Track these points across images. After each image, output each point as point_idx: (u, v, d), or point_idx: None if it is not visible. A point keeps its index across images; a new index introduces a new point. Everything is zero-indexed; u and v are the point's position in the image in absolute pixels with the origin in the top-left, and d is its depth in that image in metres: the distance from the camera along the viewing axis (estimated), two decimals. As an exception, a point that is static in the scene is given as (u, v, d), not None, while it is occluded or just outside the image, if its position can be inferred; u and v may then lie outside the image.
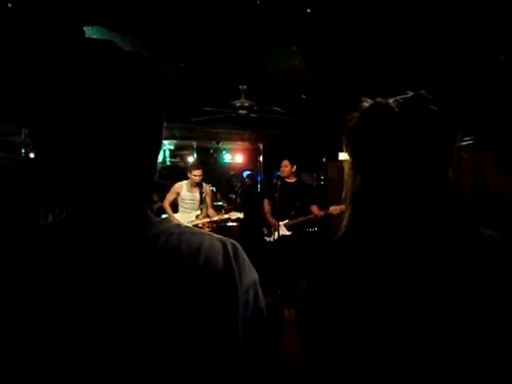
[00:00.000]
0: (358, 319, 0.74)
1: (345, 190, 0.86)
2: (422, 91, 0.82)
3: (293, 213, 5.10)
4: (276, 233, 5.10)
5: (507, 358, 0.69)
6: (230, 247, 0.66)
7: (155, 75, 0.61)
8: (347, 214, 0.84)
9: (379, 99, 0.83)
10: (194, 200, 5.25)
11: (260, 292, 0.67)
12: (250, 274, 0.66)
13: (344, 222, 0.84)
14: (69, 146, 0.57)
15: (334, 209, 4.87)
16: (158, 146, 0.65)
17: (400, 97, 0.82)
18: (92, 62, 0.58)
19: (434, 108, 0.79)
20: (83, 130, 0.57)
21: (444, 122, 0.79)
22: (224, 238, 0.68)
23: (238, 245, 0.68)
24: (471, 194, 4.97)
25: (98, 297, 0.56)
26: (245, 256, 0.67)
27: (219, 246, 0.65)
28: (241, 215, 5.30)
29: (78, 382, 0.53)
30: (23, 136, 6.80)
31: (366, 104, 0.84)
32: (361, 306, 0.74)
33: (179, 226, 0.66)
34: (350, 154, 0.85)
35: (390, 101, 0.81)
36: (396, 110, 0.79)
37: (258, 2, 2.90)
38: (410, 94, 0.82)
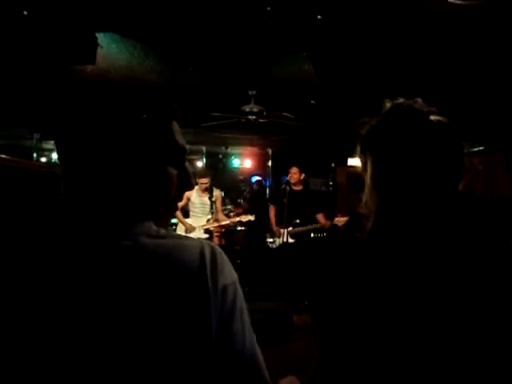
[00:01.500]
0: (374, 326, 0.74)
1: (365, 196, 0.84)
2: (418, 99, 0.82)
3: (298, 221, 5.09)
4: (279, 239, 5.11)
5: None
6: (207, 248, 0.68)
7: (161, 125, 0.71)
8: (370, 223, 0.82)
9: (401, 100, 0.83)
10: (204, 205, 5.28)
11: (240, 292, 0.69)
12: (228, 274, 0.68)
13: (366, 228, 0.82)
14: (83, 164, 0.67)
15: (339, 220, 4.90)
16: (161, 179, 0.71)
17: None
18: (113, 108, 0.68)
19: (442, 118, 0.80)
20: (95, 155, 0.67)
21: (455, 130, 0.80)
22: (204, 240, 0.71)
23: (217, 247, 0.70)
24: (483, 201, 4.92)
25: (74, 296, 0.59)
26: (223, 257, 0.69)
27: (195, 246, 0.68)
28: (252, 217, 5.29)
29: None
30: (35, 140, 6.90)
31: (388, 105, 0.83)
32: (378, 314, 0.74)
33: (158, 230, 0.69)
34: (369, 155, 0.83)
35: (416, 103, 0.81)
36: (422, 110, 0.79)
37: (269, 9, 2.92)
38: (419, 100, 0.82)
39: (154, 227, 0.69)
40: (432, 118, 0.79)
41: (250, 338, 0.68)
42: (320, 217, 5.10)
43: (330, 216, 5.12)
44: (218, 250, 0.70)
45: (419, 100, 0.82)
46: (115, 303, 0.60)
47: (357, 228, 0.86)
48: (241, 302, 0.68)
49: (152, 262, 0.63)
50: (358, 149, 0.86)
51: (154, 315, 0.61)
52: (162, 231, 0.69)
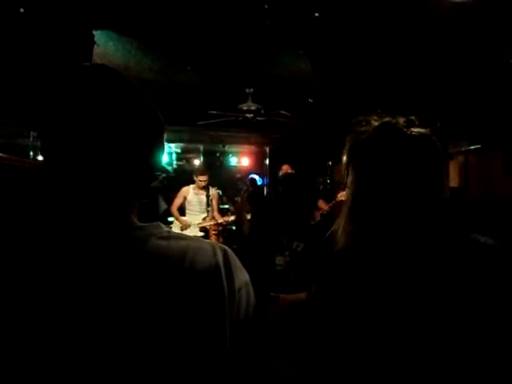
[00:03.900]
0: (363, 325, 0.76)
1: (345, 204, 0.90)
2: (412, 117, 0.88)
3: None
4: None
5: (504, 361, 0.71)
6: (219, 250, 0.67)
7: (149, 109, 0.68)
8: (350, 226, 0.87)
9: (388, 119, 0.88)
10: (200, 203, 5.28)
11: (252, 293, 0.69)
12: (241, 276, 0.68)
13: (343, 233, 0.88)
14: (69, 155, 0.63)
15: (342, 195, 4.90)
16: (147, 166, 0.68)
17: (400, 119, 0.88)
18: (97, 86, 0.64)
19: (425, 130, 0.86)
20: (83, 142, 0.63)
21: (435, 141, 0.86)
22: (214, 243, 0.70)
23: (229, 249, 0.70)
24: (479, 199, 4.93)
25: (84, 297, 0.57)
26: (235, 258, 0.69)
27: (208, 248, 0.67)
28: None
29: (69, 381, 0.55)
30: (31, 138, 6.87)
31: (374, 122, 0.88)
32: (366, 312, 0.77)
33: (169, 231, 0.68)
34: (352, 168, 0.89)
35: (399, 121, 0.87)
36: (404, 130, 0.85)
37: (266, 6, 2.92)
38: (400, 118, 0.87)
39: (165, 228, 0.68)
40: (414, 131, 0.85)
41: (262, 333, 0.69)
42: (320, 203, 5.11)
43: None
44: (230, 251, 0.69)
45: (401, 119, 0.88)
46: (125, 307, 0.58)
47: None
48: (254, 301, 0.68)
49: (164, 265, 0.62)
50: (344, 160, 0.91)
51: (165, 318, 0.59)
52: (173, 232, 0.68)
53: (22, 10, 2.79)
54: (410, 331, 0.74)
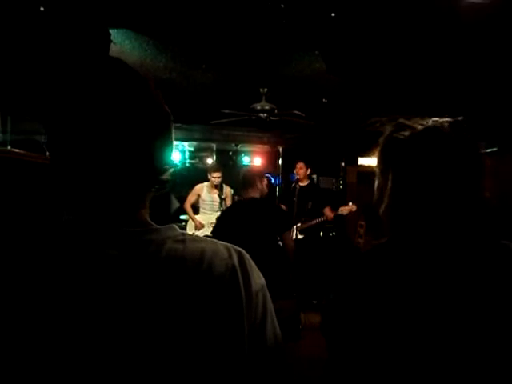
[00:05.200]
0: (384, 329, 0.75)
1: (384, 204, 0.86)
2: (459, 117, 0.85)
3: (305, 218, 5.07)
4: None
5: None
6: (234, 253, 0.67)
7: (155, 101, 0.67)
8: (386, 228, 0.85)
9: (431, 122, 0.85)
10: (213, 201, 5.30)
11: (268, 296, 0.68)
12: (257, 279, 0.67)
13: (385, 235, 0.85)
14: (76, 152, 0.62)
15: (343, 209, 4.87)
16: (154, 160, 0.66)
17: (444, 120, 0.84)
18: (103, 79, 0.63)
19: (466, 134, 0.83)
20: (89, 138, 0.61)
21: (476, 145, 0.83)
22: (229, 245, 0.69)
23: (243, 251, 0.69)
24: (495, 202, 4.85)
25: (102, 301, 0.57)
26: (251, 261, 0.69)
27: (223, 251, 0.66)
28: None
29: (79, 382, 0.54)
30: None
31: (419, 126, 0.85)
32: (388, 317, 0.75)
33: (183, 233, 0.67)
34: (390, 168, 0.86)
35: (444, 125, 0.84)
36: (451, 134, 0.82)
37: (282, 6, 2.91)
38: (446, 119, 0.84)
39: (179, 230, 0.68)
40: (457, 135, 0.82)
41: (279, 336, 0.68)
42: (326, 210, 5.09)
43: (336, 208, 5.09)
44: (244, 253, 0.69)
45: (446, 123, 0.84)
46: (144, 311, 0.57)
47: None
48: (270, 304, 0.68)
49: (182, 269, 0.61)
50: (380, 158, 0.88)
51: (185, 322, 0.59)
52: (187, 234, 0.67)
53: (42, 8, 2.83)
54: (436, 340, 0.71)
